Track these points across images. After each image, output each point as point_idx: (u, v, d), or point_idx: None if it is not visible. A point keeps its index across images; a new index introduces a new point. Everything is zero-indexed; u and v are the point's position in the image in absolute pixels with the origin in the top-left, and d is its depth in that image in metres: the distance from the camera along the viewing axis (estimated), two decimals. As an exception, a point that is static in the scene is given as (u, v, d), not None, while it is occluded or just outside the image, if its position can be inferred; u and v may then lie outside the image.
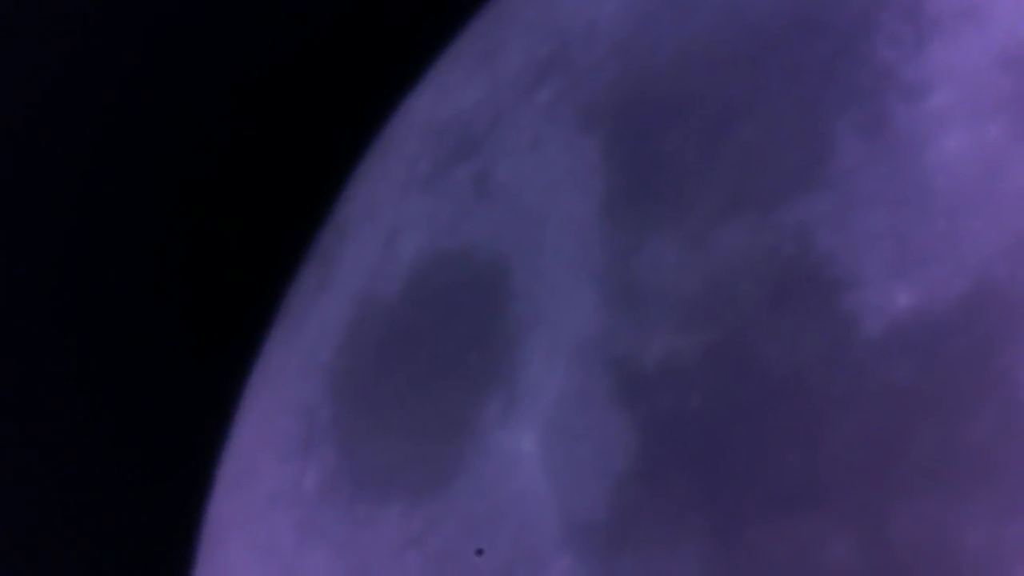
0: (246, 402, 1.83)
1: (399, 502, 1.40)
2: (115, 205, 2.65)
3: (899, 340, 1.15)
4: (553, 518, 1.26)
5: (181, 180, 2.65)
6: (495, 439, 1.34)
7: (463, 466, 1.35)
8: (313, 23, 2.66)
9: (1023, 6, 1.25)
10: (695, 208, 1.30)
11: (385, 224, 1.62)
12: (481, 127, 1.57)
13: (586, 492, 1.25)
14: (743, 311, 1.23)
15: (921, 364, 1.14)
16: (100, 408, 2.61)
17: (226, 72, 2.67)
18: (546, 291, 1.36)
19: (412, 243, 1.54)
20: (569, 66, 1.51)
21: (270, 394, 1.71)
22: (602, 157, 1.39)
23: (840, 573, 1.12)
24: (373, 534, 1.41)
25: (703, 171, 1.31)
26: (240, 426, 1.80)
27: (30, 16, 2.59)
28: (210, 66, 2.66)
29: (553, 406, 1.30)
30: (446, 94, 1.71)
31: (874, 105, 1.26)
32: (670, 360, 1.25)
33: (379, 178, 1.73)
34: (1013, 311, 1.13)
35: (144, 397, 2.60)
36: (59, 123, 2.65)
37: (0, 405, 2.59)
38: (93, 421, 2.60)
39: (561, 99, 1.48)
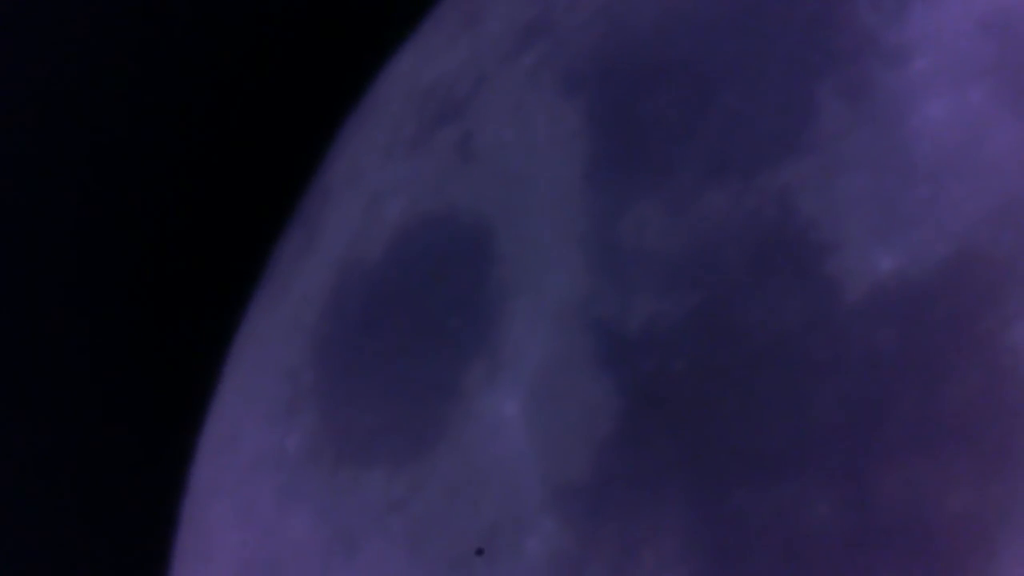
0: (230, 366, 1.82)
1: (382, 466, 1.40)
2: (98, 173, 2.64)
3: (882, 305, 1.16)
4: (536, 482, 1.27)
5: (164, 145, 2.64)
6: (478, 403, 1.34)
7: (446, 430, 1.35)
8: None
9: (1006, -29, 1.25)
10: (678, 172, 1.30)
11: (368, 188, 1.62)
12: (464, 91, 1.57)
13: (569, 456, 1.25)
14: (726, 275, 1.23)
15: (904, 329, 1.15)
16: (82, 371, 2.61)
17: (208, 37, 2.65)
18: (530, 255, 1.36)
19: (395, 207, 1.54)
20: (552, 30, 1.51)
21: (254, 358, 1.71)
22: (585, 121, 1.39)
23: (823, 536, 1.12)
24: (356, 498, 1.41)
25: (686, 135, 1.31)
26: (224, 390, 1.80)
27: (29, 16, 2.57)
28: (192, 32, 2.65)
29: (536, 370, 1.30)
30: (429, 58, 1.70)
31: (856, 70, 1.26)
32: (653, 324, 1.25)
33: (362, 142, 1.73)
34: (995, 276, 1.13)
35: (128, 360, 2.60)
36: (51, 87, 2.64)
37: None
38: (75, 384, 2.60)
39: (544, 63, 1.48)
